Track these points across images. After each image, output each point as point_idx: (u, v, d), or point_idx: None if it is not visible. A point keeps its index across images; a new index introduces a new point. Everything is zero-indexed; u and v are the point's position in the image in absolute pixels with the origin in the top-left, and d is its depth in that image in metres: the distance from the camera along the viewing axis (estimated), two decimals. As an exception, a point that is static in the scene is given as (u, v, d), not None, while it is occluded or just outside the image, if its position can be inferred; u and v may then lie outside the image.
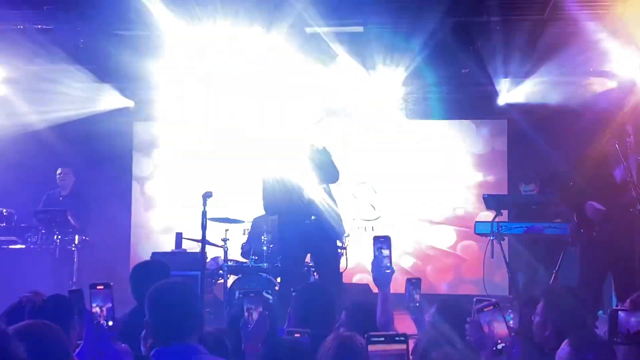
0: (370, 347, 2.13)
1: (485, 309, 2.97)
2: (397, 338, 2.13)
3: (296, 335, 3.08)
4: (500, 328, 2.94)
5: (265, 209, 7.39)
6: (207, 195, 6.20)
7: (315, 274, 8.32)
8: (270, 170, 7.01)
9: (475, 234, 8.00)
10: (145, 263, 5.04)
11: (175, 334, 2.93)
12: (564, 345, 2.78)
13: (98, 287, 3.38)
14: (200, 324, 3.07)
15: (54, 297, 3.82)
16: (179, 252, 9.35)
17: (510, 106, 10.52)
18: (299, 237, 6.90)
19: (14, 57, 9.57)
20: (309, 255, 7.74)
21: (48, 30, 8.92)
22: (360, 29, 9.14)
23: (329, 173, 7.02)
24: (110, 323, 3.34)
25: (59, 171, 9.69)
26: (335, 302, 4.16)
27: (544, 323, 3.61)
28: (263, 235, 8.72)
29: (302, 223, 6.89)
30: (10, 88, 10.40)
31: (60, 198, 9.52)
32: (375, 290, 8.53)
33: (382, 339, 2.14)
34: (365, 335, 2.10)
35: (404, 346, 2.13)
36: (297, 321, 3.84)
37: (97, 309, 3.34)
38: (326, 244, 6.94)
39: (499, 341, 2.92)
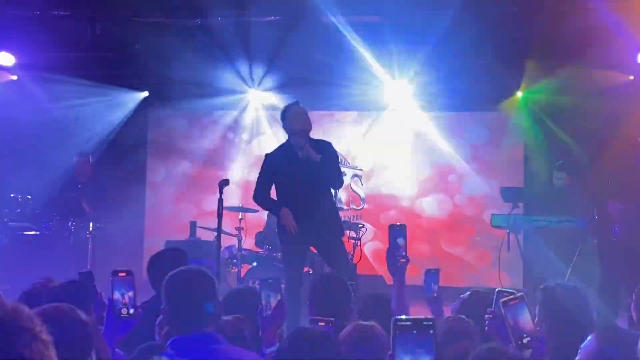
0: (397, 331, 2.09)
1: (510, 302, 2.93)
2: (424, 322, 2.09)
3: (320, 324, 3.06)
4: (525, 322, 2.91)
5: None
6: (223, 184, 6.18)
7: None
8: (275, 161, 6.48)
9: (492, 226, 7.94)
10: (163, 251, 5.01)
11: (193, 322, 2.89)
12: (591, 339, 2.73)
13: (120, 274, 3.32)
14: (218, 312, 3.03)
15: (70, 282, 3.78)
16: (193, 241, 9.35)
17: (527, 97, 10.44)
18: (302, 231, 6.32)
19: (30, 43, 9.57)
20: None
21: (64, 17, 8.91)
22: (377, 18, 9.08)
23: (337, 179, 6.57)
24: (132, 311, 3.30)
25: (76, 158, 9.65)
26: (352, 291, 4.13)
27: (540, 324, 3.55)
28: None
29: (303, 218, 6.31)
30: (27, 74, 10.41)
31: (79, 185, 9.48)
32: (389, 282, 8.56)
33: (409, 323, 2.10)
34: (392, 319, 2.06)
35: (431, 330, 2.10)
36: (315, 310, 3.81)
37: (119, 296, 3.30)
38: (331, 237, 6.55)
39: (525, 335, 2.88)
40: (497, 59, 9.41)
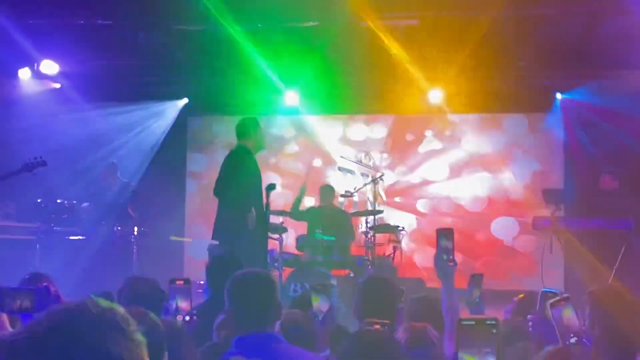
0: (460, 331, 2.13)
1: (558, 303, 2.95)
2: (488, 322, 2.13)
3: (376, 327, 3.11)
4: (572, 322, 2.92)
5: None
6: (270, 188, 6.25)
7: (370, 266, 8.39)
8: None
9: (534, 229, 7.92)
10: (222, 257, 5.13)
11: (256, 322, 2.98)
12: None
13: (178, 283, 3.41)
14: (279, 313, 3.11)
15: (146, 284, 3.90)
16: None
17: (567, 98, 10.39)
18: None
19: (73, 52, 9.74)
20: None
21: (107, 26, 9.07)
22: (415, 22, 9.11)
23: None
24: (187, 318, 3.38)
25: (103, 170, 9.77)
26: (398, 294, 4.17)
27: (593, 325, 3.55)
28: (319, 229, 8.78)
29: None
30: (69, 82, 10.59)
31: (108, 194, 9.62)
32: (429, 284, 8.57)
33: (473, 322, 2.14)
34: (458, 320, 2.11)
35: (494, 330, 2.13)
36: (364, 312, 3.86)
37: (177, 304, 3.39)
38: None
39: (572, 335, 2.90)
40: (536, 61, 9.39)
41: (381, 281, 4.43)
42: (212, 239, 7.31)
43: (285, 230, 8.65)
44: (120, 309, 1.65)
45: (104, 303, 1.66)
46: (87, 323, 1.55)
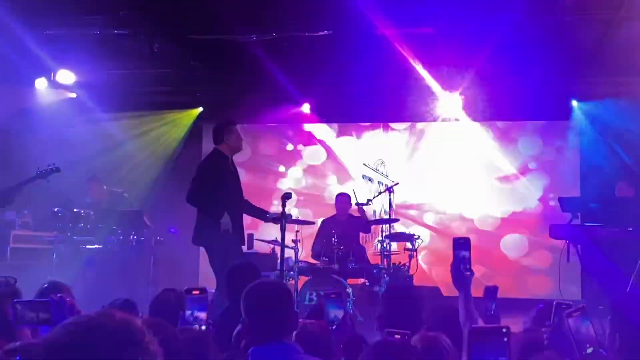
0: (472, 339, 2.13)
1: (573, 314, 2.94)
2: (499, 330, 2.13)
3: (396, 336, 3.09)
4: (588, 333, 2.91)
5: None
6: (286, 197, 6.26)
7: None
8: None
9: (550, 237, 7.86)
10: (239, 265, 5.12)
11: (272, 332, 2.96)
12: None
13: (194, 292, 3.41)
14: (296, 323, 3.10)
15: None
16: (250, 253, 9.44)
17: (583, 106, 10.33)
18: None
19: (89, 62, 9.79)
20: None
21: (123, 35, 9.11)
22: (430, 29, 9.08)
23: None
24: (203, 327, 3.37)
25: (88, 183, 9.75)
26: (423, 303, 4.15)
27: (613, 336, 3.52)
28: (334, 237, 8.76)
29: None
30: (85, 92, 10.65)
31: (100, 205, 9.57)
32: (445, 293, 8.53)
33: (485, 330, 2.14)
34: (469, 327, 2.10)
35: (505, 338, 2.13)
36: (385, 322, 3.84)
37: (192, 314, 3.38)
38: None
39: (588, 345, 2.88)
40: (552, 68, 9.34)
41: (406, 290, 4.41)
42: (192, 243, 7.42)
43: None
44: (137, 321, 1.66)
45: (119, 315, 1.67)
46: (103, 336, 1.56)
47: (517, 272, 11.04)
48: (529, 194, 11.18)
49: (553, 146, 11.19)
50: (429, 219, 11.51)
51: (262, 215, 7.44)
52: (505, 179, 11.30)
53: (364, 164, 10.79)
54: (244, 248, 9.79)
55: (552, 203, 10.48)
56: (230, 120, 7.56)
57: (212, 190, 6.94)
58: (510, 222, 11.26)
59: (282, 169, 12.02)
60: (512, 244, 11.21)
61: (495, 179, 11.33)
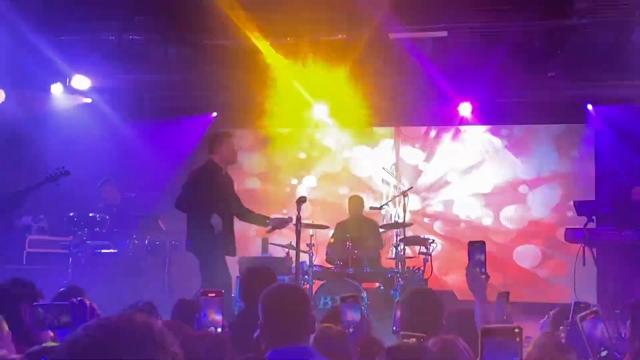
0: (485, 340, 2.13)
1: (587, 317, 2.94)
2: (511, 330, 2.13)
3: (412, 339, 3.09)
4: (602, 335, 2.91)
5: None
6: (301, 201, 6.27)
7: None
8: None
9: (566, 240, 7.83)
10: (254, 269, 5.14)
11: (290, 336, 2.97)
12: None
13: (210, 295, 3.41)
14: (313, 327, 3.11)
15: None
16: (265, 257, 9.47)
17: (598, 109, 10.28)
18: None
19: (104, 67, 9.84)
20: None
21: (138, 41, 9.16)
22: (444, 33, 9.08)
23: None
24: (219, 330, 3.38)
25: (102, 186, 9.80)
26: (444, 306, 4.14)
27: (633, 339, 3.51)
28: (348, 241, 8.76)
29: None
30: (101, 97, 10.70)
31: (114, 209, 9.65)
32: (460, 297, 8.51)
33: (497, 330, 2.14)
34: (481, 328, 2.10)
35: (517, 338, 2.13)
36: (405, 326, 3.84)
37: (208, 316, 3.38)
38: None
39: (602, 348, 2.88)
40: (567, 71, 9.31)
41: (427, 294, 4.41)
42: (186, 250, 7.45)
43: None
44: (157, 323, 1.66)
45: (140, 317, 1.67)
46: (125, 338, 1.57)
47: (532, 282, 10.98)
48: (543, 202, 11.13)
49: (568, 150, 11.14)
50: (441, 226, 11.48)
51: (263, 221, 7.44)
52: (520, 185, 11.25)
53: (382, 168, 10.82)
54: (257, 252, 9.88)
55: (569, 214, 10.33)
56: (223, 132, 7.74)
57: (200, 197, 7.00)
58: (525, 232, 11.21)
59: (294, 175, 12.01)
60: (526, 253, 11.17)
61: (510, 185, 11.28)
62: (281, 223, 7.25)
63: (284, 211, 11.02)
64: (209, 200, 6.99)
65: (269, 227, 7.33)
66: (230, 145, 7.32)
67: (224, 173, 7.23)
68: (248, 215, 7.57)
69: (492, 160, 11.35)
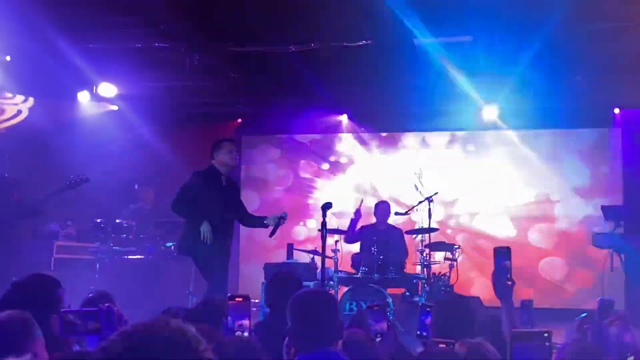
0: (514, 344, 2.15)
1: (614, 322, 2.94)
2: (541, 334, 2.15)
3: (441, 345, 3.09)
4: (629, 339, 2.91)
5: None
6: (326, 207, 6.27)
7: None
8: None
9: (594, 246, 7.77)
10: (280, 274, 5.15)
11: (318, 341, 2.98)
12: None
13: (236, 299, 3.42)
14: (341, 332, 3.11)
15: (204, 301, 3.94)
16: (290, 263, 9.48)
17: (626, 114, 10.19)
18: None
19: (130, 74, 9.92)
20: None
21: (164, 48, 9.22)
22: (468, 37, 9.04)
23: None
24: (246, 334, 3.38)
25: (139, 187, 9.90)
26: (477, 313, 4.13)
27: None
28: (373, 246, 8.76)
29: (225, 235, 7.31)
30: (127, 104, 10.79)
31: (144, 212, 9.75)
32: (486, 303, 8.46)
33: (527, 334, 2.17)
34: (512, 331, 2.11)
35: (547, 343, 2.14)
36: (438, 332, 3.83)
37: (235, 321, 3.39)
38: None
39: (629, 353, 2.87)
40: (593, 75, 9.24)
41: (457, 301, 4.40)
42: (177, 253, 7.49)
43: None
44: (191, 329, 1.67)
45: (174, 323, 1.69)
46: (161, 344, 1.58)
47: (558, 292, 10.89)
48: (574, 202, 11.04)
49: (595, 154, 11.04)
50: (464, 236, 11.41)
51: (261, 222, 7.45)
52: (550, 186, 11.18)
53: (415, 173, 10.84)
54: (282, 259, 9.89)
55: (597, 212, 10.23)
56: (222, 138, 7.76)
57: (193, 200, 7.05)
58: (552, 239, 11.11)
59: (319, 180, 12.03)
60: (553, 264, 11.08)
61: (541, 187, 11.21)
62: (275, 220, 7.21)
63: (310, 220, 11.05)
64: (201, 203, 7.04)
65: (270, 229, 7.30)
66: (228, 149, 7.33)
67: (223, 178, 7.25)
68: (248, 220, 7.64)
69: (519, 169, 11.27)
